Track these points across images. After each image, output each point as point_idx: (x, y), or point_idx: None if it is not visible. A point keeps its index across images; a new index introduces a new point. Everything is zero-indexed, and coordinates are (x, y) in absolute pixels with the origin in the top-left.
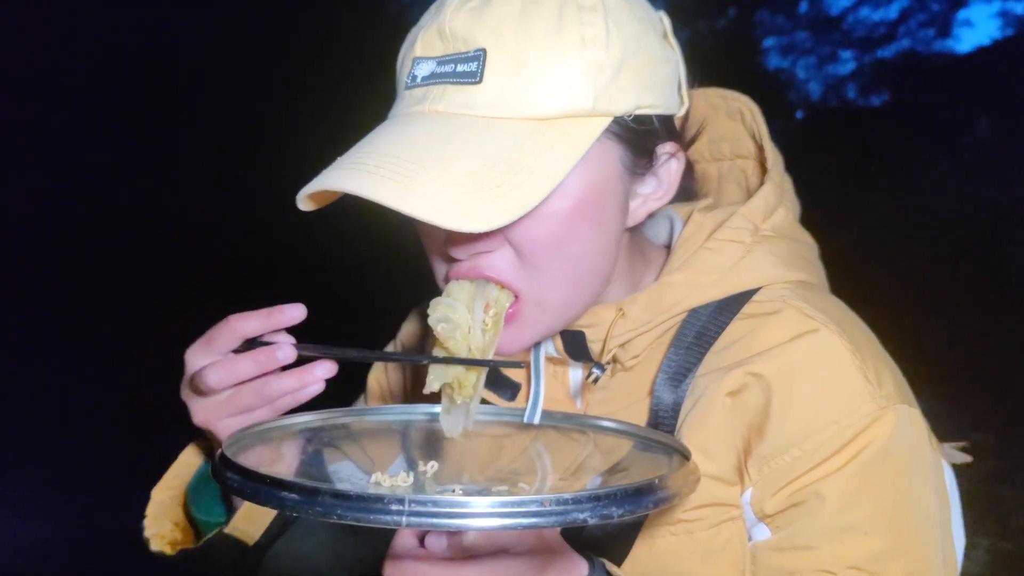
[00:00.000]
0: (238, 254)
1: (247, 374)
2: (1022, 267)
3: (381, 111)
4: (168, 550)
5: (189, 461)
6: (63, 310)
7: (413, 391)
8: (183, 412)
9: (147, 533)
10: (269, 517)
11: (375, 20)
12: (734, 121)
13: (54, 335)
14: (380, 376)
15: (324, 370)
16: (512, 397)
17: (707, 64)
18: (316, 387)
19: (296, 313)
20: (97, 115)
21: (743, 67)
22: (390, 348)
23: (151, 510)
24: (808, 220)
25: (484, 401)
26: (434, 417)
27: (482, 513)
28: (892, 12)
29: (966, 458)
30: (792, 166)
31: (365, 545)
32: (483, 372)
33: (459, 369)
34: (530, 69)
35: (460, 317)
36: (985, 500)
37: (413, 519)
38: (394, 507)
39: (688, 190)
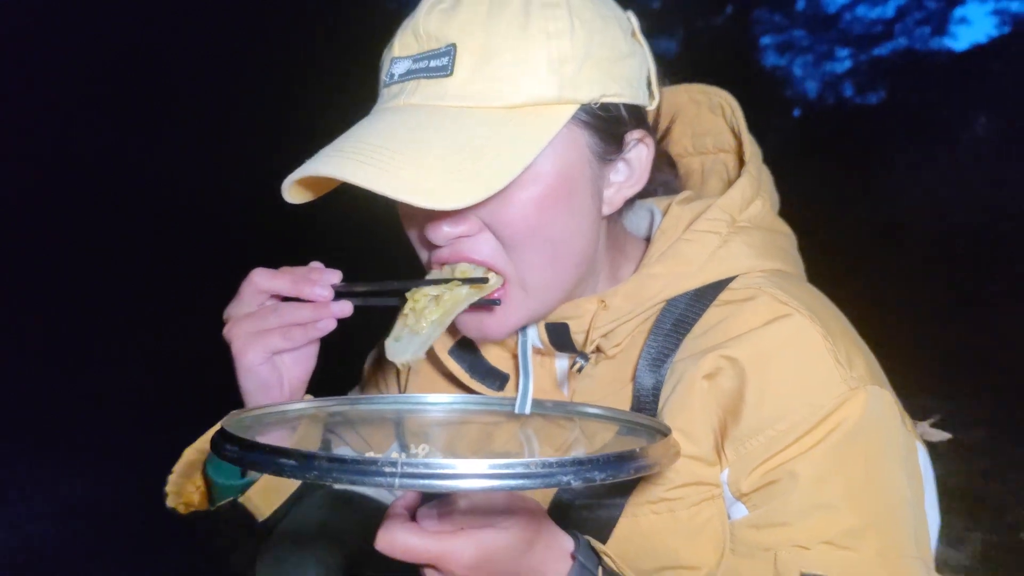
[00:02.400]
0: (243, 247)
1: (281, 289)
2: (1020, 263)
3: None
4: (182, 509)
5: None
6: (65, 306)
7: (407, 380)
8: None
9: (168, 488)
10: (282, 496)
11: (372, 16)
12: (716, 116)
13: (56, 330)
14: (376, 366)
15: (341, 308)
16: (500, 387)
17: (704, 62)
18: (328, 323)
19: (330, 278)
20: (92, 113)
21: (740, 65)
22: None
23: (179, 467)
24: (805, 216)
25: (471, 391)
26: (428, 405)
27: (471, 474)
28: (889, 10)
29: (944, 435)
30: (789, 164)
31: (360, 525)
32: (446, 315)
33: (427, 303)
34: (498, 61)
35: (458, 270)
36: (978, 496)
37: (406, 480)
38: (387, 469)
39: (669, 184)
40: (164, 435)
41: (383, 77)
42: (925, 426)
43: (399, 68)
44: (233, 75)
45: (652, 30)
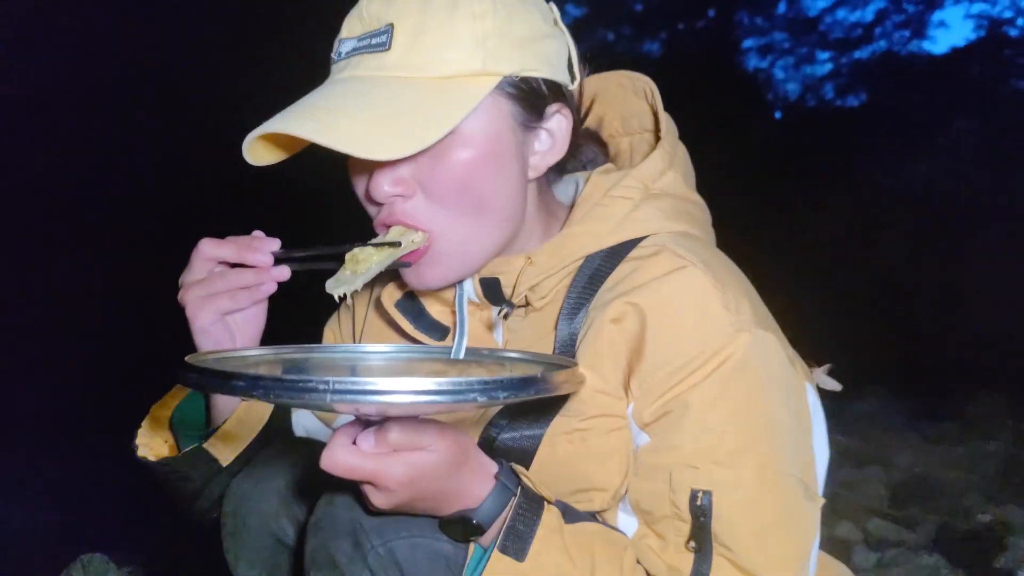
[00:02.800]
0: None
1: (227, 256)
2: (997, 260)
3: None
4: (152, 457)
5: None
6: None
7: (361, 334)
8: None
9: (138, 441)
10: (244, 443)
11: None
12: (640, 99)
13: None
14: (335, 328)
15: (279, 272)
16: (441, 338)
17: (687, 64)
18: (269, 286)
19: (270, 246)
20: (94, 115)
21: (723, 67)
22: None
23: (146, 423)
24: (787, 215)
25: (416, 341)
26: (375, 354)
27: (394, 390)
28: (868, 14)
29: (836, 385)
30: (771, 164)
31: (315, 464)
32: (383, 262)
33: (370, 252)
34: (429, 37)
35: (392, 233)
36: (938, 484)
37: (336, 396)
38: (321, 387)
39: (597, 161)
40: None
41: (332, 56)
42: (820, 373)
43: (345, 47)
44: (233, 78)
45: (635, 33)
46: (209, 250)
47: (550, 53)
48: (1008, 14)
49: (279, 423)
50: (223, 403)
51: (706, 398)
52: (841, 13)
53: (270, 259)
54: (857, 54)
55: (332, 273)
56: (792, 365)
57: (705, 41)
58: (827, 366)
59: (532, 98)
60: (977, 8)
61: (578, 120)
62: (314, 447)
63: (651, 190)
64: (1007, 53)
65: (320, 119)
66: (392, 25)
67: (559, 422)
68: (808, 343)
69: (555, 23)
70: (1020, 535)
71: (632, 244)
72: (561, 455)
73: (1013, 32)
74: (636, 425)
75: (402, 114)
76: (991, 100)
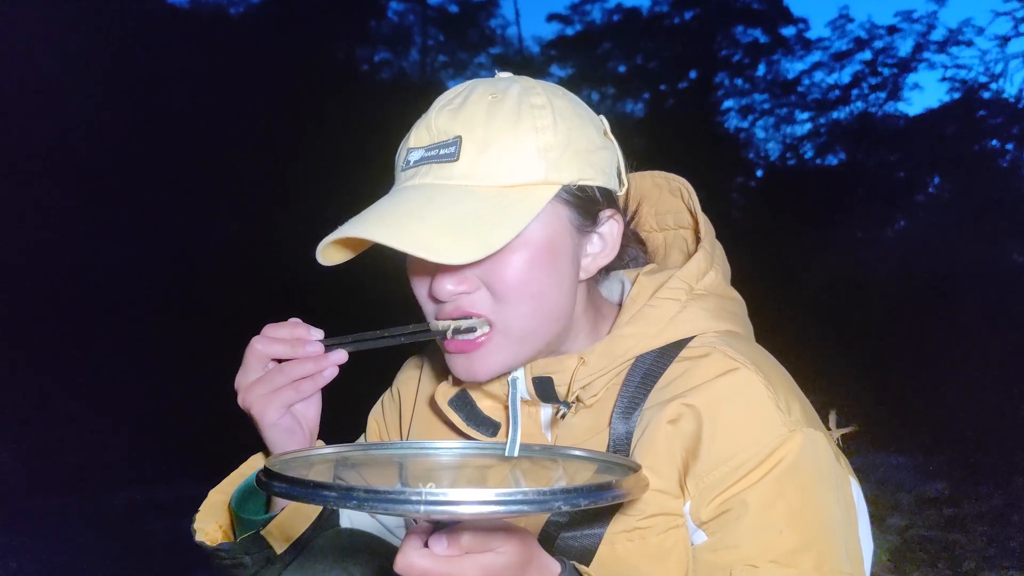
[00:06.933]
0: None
1: (281, 353)
2: (977, 317)
3: (370, 159)
4: (208, 542)
5: (244, 472)
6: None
7: (409, 429)
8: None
9: (195, 526)
10: (297, 532)
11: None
12: (675, 198)
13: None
14: (379, 419)
15: (337, 357)
16: (493, 434)
17: (669, 124)
18: (331, 372)
19: (316, 335)
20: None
21: (704, 127)
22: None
23: (205, 507)
24: (768, 272)
25: (468, 437)
26: (429, 450)
27: (483, 501)
28: (845, 76)
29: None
30: (753, 222)
31: (365, 556)
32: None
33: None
34: (495, 149)
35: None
36: (938, 545)
37: (430, 507)
38: (414, 498)
39: (639, 260)
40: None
41: (400, 163)
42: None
43: (414, 156)
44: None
45: (618, 93)
46: (263, 348)
47: (603, 163)
48: (982, 78)
49: (328, 511)
50: None
51: (764, 498)
52: (819, 75)
53: (320, 348)
54: (835, 115)
55: (383, 352)
56: (838, 461)
57: (687, 102)
58: (843, 427)
59: (587, 204)
60: (950, 71)
61: (627, 224)
62: (362, 537)
63: (695, 290)
64: (980, 114)
65: (396, 225)
66: (460, 137)
67: (618, 520)
68: None
69: (606, 134)
70: None
71: (681, 344)
72: (620, 553)
73: (986, 94)
74: (693, 523)
75: (470, 220)
76: (965, 159)
